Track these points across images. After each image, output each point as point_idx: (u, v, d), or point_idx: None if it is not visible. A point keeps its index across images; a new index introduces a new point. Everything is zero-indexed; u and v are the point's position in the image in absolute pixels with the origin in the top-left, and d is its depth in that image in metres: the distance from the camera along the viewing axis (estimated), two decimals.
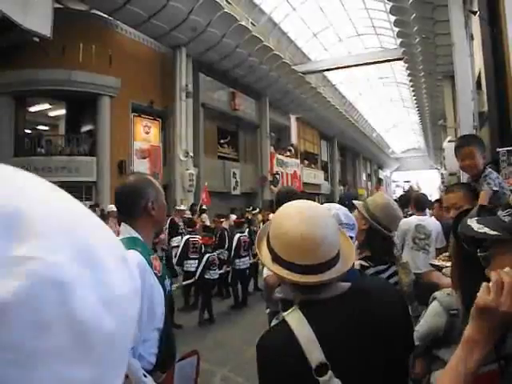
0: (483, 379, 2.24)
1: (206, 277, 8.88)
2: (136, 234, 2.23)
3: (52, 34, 12.80)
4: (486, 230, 1.28)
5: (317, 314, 1.42)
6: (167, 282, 2.37)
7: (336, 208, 2.60)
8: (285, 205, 1.57)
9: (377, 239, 2.88)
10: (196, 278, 8.89)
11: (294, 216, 1.46)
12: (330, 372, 1.30)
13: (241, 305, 9.86)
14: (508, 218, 1.27)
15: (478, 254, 1.41)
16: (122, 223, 2.30)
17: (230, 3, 18.92)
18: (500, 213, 1.31)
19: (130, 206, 2.30)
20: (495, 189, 3.38)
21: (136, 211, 2.28)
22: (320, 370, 1.30)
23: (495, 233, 1.26)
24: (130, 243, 2.12)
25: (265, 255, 1.52)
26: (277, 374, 1.36)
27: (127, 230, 2.24)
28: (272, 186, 26.09)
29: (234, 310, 9.57)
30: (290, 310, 1.45)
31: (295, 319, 1.41)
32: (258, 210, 16.34)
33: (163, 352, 2.16)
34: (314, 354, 1.32)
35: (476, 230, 1.32)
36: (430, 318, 2.60)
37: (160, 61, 19.50)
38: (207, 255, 8.99)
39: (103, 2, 15.22)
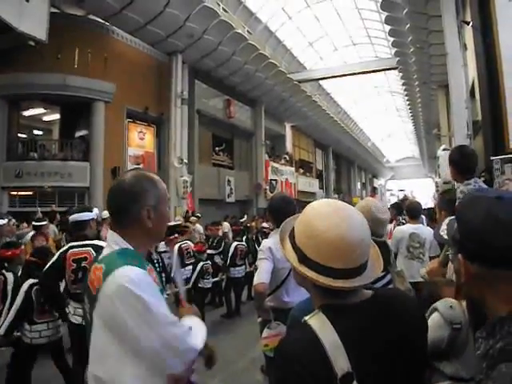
0: None
1: (200, 285, 8.80)
2: (125, 245, 1.82)
3: (48, 38, 12.74)
4: (443, 233, 1.37)
5: (341, 319, 1.31)
6: (164, 294, 2.08)
7: None
8: (315, 203, 1.48)
9: None
10: (190, 285, 8.79)
11: (331, 215, 1.37)
12: (355, 382, 1.23)
13: (234, 314, 9.76)
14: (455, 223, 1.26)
15: (446, 253, 1.47)
16: (110, 231, 1.90)
17: (226, 11, 18.96)
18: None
19: (119, 212, 1.87)
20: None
21: (126, 219, 1.85)
22: (345, 380, 1.22)
23: (446, 237, 1.34)
24: (123, 257, 1.76)
25: (289, 253, 1.43)
26: (299, 382, 1.24)
27: (114, 239, 1.85)
28: (269, 192, 26.04)
29: (226, 319, 9.49)
30: (312, 314, 1.34)
31: (319, 323, 1.30)
32: (244, 218, 16.28)
33: None
34: (340, 361, 1.23)
35: (440, 232, 1.42)
36: (431, 331, 2.54)
37: (156, 67, 19.50)
38: (201, 263, 8.91)
39: (100, 7, 15.19)
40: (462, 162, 3.77)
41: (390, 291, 1.79)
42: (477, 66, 10.38)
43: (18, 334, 4.98)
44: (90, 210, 5.07)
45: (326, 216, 1.37)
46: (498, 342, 1.10)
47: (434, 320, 2.53)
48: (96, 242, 4.66)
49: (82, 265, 4.48)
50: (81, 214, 4.92)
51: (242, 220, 14.63)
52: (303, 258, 1.37)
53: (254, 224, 14.58)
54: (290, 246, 1.45)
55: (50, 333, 5.03)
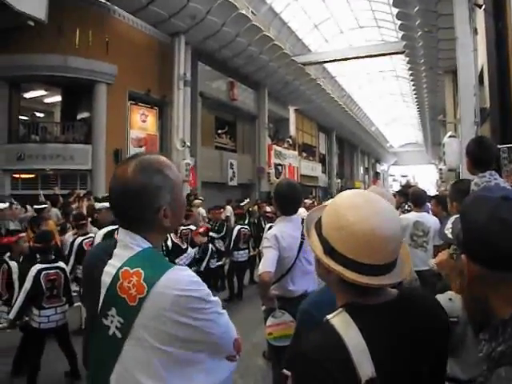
0: None
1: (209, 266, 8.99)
2: (146, 244, 1.59)
3: (47, 18, 12.50)
4: (448, 232, 1.35)
5: (366, 320, 1.23)
6: None
7: None
8: (344, 192, 1.39)
9: None
10: (202, 268, 8.87)
11: (363, 206, 1.28)
12: None
13: (236, 298, 9.73)
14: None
15: (448, 250, 1.51)
16: (123, 230, 1.63)
17: None
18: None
19: (130, 221, 1.61)
20: None
21: (139, 227, 1.61)
22: None
23: (450, 236, 1.35)
24: (157, 259, 1.59)
25: (315, 244, 1.34)
26: (315, 381, 1.18)
27: (132, 239, 1.59)
28: (275, 178, 25.97)
29: (228, 304, 9.44)
30: (335, 313, 1.26)
31: (343, 324, 1.23)
32: (246, 201, 16.15)
33: None
34: (364, 366, 1.16)
35: (444, 231, 1.39)
36: None
37: (158, 48, 19.26)
38: (210, 245, 9.09)
39: None
40: (479, 154, 3.66)
41: (415, 291, 1.73)
42: (487, 52, 10.19)
43: (27, 318, 5.13)
44: None
45: (357, 207, 1.28)
46: (500, 345, 1.08)
47: None
48: None
49: None
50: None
51: (242, 204, 14.50)
52: (330, 251, 1.29)
53: (255, 208, 14.41)
54: (315, 236, 1.37)
55: (58, 317, 5.23)
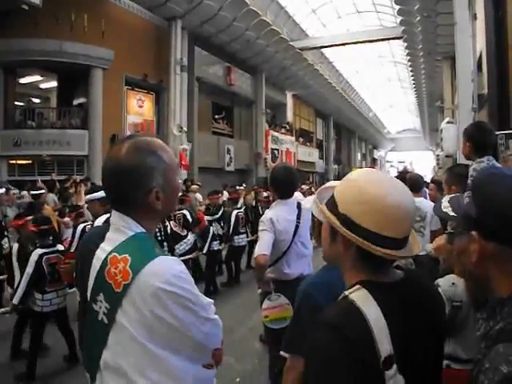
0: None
1: (210, 249, 9.08)
2: (139, 228, 1.57)
3: (42, 2, 12.38)
4: (448, 210, 1.29)
5: (382, 297, 1.24)
6: None
7: None
8: (359, 170, 1.40)
9: None
10: (204, 252, 8.96)
11: (384, 181, 1.31)
12: (395, 366, 1.18)
13: (233, 282, 9.79)
14: (467, 199, 1.22)
15: (445, 232, 1.43)
16: (115, 212, 1.61)
17: None
18: (466, 193, 1.26)
19: (122, 201, 1.58)
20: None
21: (131, 207, 1.58)
22: (386, 362, 1.16)
23: (453, 214, 1.27)
24: (148, 245, 1.55)
25: (333, 221, 1.32)
26: (340, 363, 1.15)
27: (125, 223, 1.57)
28: (271, 162, 25.96)
29: (225, 288, 9.48)
30: (353, 289, 1.26)
31: (363, 299, 1.23)
32: (242, 187, 16.19)
33: None
34: (384, 342, 1.17)
35: (442, 208, 1.32)
36: None
37: (155, 33, 19.12)
38: (211, 228, 9.21)
39: None
40: (483, 139, 3.64)
41: (416, 271, 1.78)
42: (486, 38, 10.13)
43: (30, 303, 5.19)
44: None
45: (379, 181, 1.31)
46: (498, 323, 1.09)
47: None
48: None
49: None
50: None
51: (237, 188, 14.60)
52: (351, 226, 1.27)
53: (252, 194, 14.32)
54: (330, 213, 1.35)
55: (59, 300, 5.32)
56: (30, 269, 5.01)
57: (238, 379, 4.94)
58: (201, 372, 1.58)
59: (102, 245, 1.59)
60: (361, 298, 1.23)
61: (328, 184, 1.63)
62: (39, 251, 5.13)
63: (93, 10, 16.03)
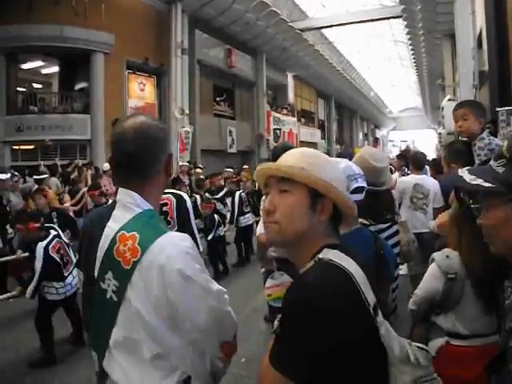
0: (486, 351, 2.24)
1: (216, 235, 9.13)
2: (147, 205, 1.59)
3: None
4: (480, 181, 1.23)
5: (347, 253, 1.28)
6: None
7: (345, 161, 2.51)
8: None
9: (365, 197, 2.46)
10: (210, 237, 9.01)
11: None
12: (379, 312, 1.23)
13: (244, 262, 9.94)
14: (501, 168, 1.22)
15: (471, 206, 1.36)
16: (122, 189, 1.63)
17: None
18: (493, 163, 1.25)
19: (146, 163, 1.60)
20: (478, 161, 3.36)
21: (152, 171, 1.62)
22: (375, 310, 1.21)
23: (489, 184, 1.21)
24: (155, 222, 1.59)
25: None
26: (332, 321, 1.15)
27: (132, 199, 1.59)
28: (273, 142, 25.93)
29: (234, 268, 9.58)
30: (323, 252, 1.27)
31: (339, 257, 1.25)
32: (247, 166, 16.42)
33: None
34: (369, 293, 1.21)
35: (468, 181, 1.26)
36: (427, 281, 2.56)
37: (155, 17, 19.00)
38: (216, 216, 9.19)
39: None
40: (486, 116, 3.69)
41: None
42: (485, 15, 10.12)
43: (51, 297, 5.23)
44: None
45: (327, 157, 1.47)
46: None
47: (430, 271, 2.56)
48: (173, 190, 4.53)
49: (164, 209, 4.37)
50: None
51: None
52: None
53: (248, 183, 14.26)
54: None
55: (77, 280, 5.27)
56: (39, 263, 5.00)
57: (243, 359, 4.94)
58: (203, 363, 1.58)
59: (109, 223, 1.62)
60: (336, 256, 1.25)
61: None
62: (43, 244, 5.13)
63: None
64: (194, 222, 4.55)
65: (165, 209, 4.39)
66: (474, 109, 3.56)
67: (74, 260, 5.49)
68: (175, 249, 1.48)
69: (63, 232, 5.95)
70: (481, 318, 2.39)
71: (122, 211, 1.60)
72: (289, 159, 1.39)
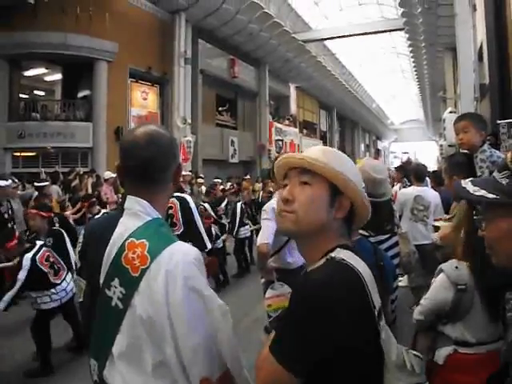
0: (489, 358, 2.25)
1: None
2: (156, 214, 1.58)
3: None
4: (483, 192, 1.22)
5: (358, 255, 1.29)
6: None
7: None
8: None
9: None
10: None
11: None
12: (383, 316, 1.23)
13: (245, 272, 9.89)
14: (505, 180, 1.21)
15: (474, 218, 1.36)
16: (131, 197, 1.61)
17: None
18: (496, 174, 1.24)
19: (159, 170, 1.59)
20: (480, 173, 3.37)
21: (162, 179, 1.61)
22: (379, 314, 1.21)
23: (493, 196, 1.20)
24: (165, 231, 1.58)
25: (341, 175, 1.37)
26: (345, 317, 1.15)
27: (142, 207, 1.57)
28: (275, 153, 25.96)
29: (234, 279, 9.55)
30: (335, 252, 1.27)
31: (351, 257, 1.25)
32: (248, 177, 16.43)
33: None
34: (375, 296, 1.22)
35: (472, 192, 1.25)
36: (436, 292, 2.55)
37: (159, 26, 19.11)
38: (212, 229, 8.98)
39: None
40: (487, 129, 3.69)
41: None
42: (486, 28, 10.18)
43: (44, 306, 5.17)
44: None
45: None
46: None
47: (439, 281, 2.55)
48: (177, 194, 4.64)
49: (169, 212, 4.62)
50: None
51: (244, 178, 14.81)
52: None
53: (246, 193, 14.27)
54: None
55: (72, 286, 5.31)
56: (23, 273, 4.90)
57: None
58: None
59: (117, 230, 1.59)
60: (348, 256, 1.25)
61: None
62: (29, 255, 5.03)
63: (97, 3, 16.00)
64: (199, 221, 4.83)
65: (170, 212, 4.65)
66: (475, 121, 3.55)
67: (73, 263, 5.51)
68: (184, 258, 1.46)
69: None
70: (487, 327, 2.40)
71: (130, 219, 1.58)
72: (311, 154, 1.39)
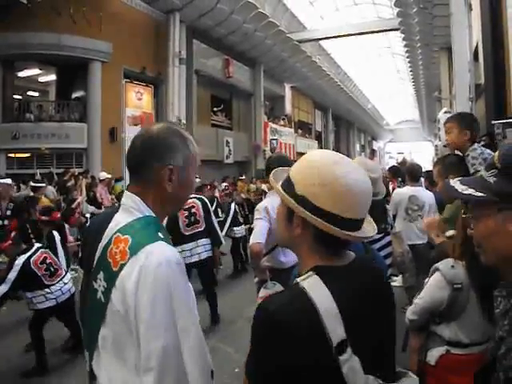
0: (481, 359, 2.24)
1: None
2: (148, 212, 1.58)
3: None
4: (471, 191, 1.24)
5: (336, 282, 1.22)
6: None
7: None
8: (315, 151, 1.36)
9: None
10: None
11: (342, 162, 1.28)
12: (349, 349, 1.17)
13: (239, 273, 9.85)
14: (493, 178, 1.22)
15: (463, 216, 1.40)
16: (127, 193, 1.63)
17: None
18: (484, 173, 1.26)
19: (136, 167, 1.61)
20: (473, 170, 3.35)
21: (142, 178, 1.60)
22: (339, 347, 1.16)
23: (480, 194, 1.22)
24: (151, 229, 1.54)
25: (292, 203, 1.27)
26: (285, 348, 1.16)
27: (135, 204, 1.58)
28: (270, 152, 25.94)
29: (226, 279, 9.52)
30: (305, 276, 1.24)
31: (314, 286, 1.21)
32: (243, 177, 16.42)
33: None
34: (336, 329, 1.16)
35: (460, 191, 1.27)
36: (431, 291, 2.54)
37: (153, 26, 19.08)
38: None
39: None
40: (476, 127, 3.70)
41: (361, 253, 1.74)
42: (481, 28, 10.16)
43: (40, 305, 5.19)
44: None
45: (338, 163, 1.28)
46: None
47: (434, 280, 2.54)
48: (195, 195, 5.96)
49: (192, 211, 6.11)
50: None
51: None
52: (309, 207, 1.24)
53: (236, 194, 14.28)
54: (287, 196, 1.30)
55: (69, 286, 5.40)
56: (12, 274, 4.93)
57: (236, 369, 4.96)
58: None
59: (110, 224, 1.61)
60: (312, 285, 1.22)
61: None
62: (24, 257, 5.08)
63: (91, 3, 15.96)
64: (214, 219, 6.51)
65: (193, 210, 6.12)
66: (459, 121, 3.58)
67: (63, 263, 5.61)
68: (159, 258, 1.42)
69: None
70: (481, 327, 2.39)
71: (123, 214, 1.60)
72: (294, 166, 1.37)
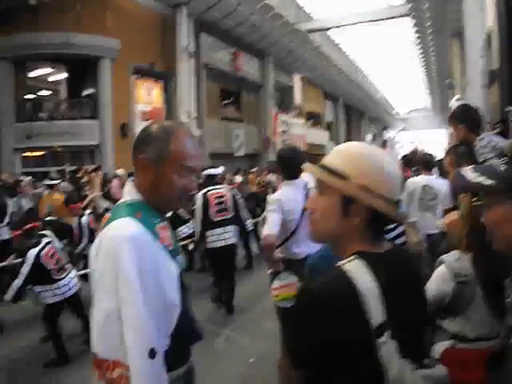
0: (485, 356, 2.20)
1: None
2: (137, 196, 1.68)
3: None
4: (482, 179, 1.25)
5: (377, 266, 1.26)
6: (180, 257, 1.81)
7: None
8: (355, 143, 1.45)
9: None
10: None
11: (380, 152, 1.39)
12: (387, 332, 1.21)
13: (251, 264, 9.86)
14: (504, 166, 1.24)
15: (473, 204, 1.41)
16: (127, 181, 1.83)
17: None
18: (495, 161, 1.29)
19: (134, 151, 1.73)
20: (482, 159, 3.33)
21: (136, 160, 1.71)
22: (379, 329, 1.20)
23: (491, 182, 1.23)
24: (128, 208, 1.63)
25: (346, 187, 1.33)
26: (328, 322, 1.20)
27: (129, 191, 1.71)
28: (281, 145, 25.79)
29: (242, 270, 9.52)
30: (347, 259, 1.28)
31: (358, 269, 1.25)
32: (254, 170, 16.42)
33: (177, 346, 1.65)
34: (377, 311, 1.21)
35: (470, 178, 1.28)
36: (436, 284, 2.48)
37: (160, 21, 19.09)
38: None
39: None
40: (475, 118, 3.69)
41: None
42: (496, 12, 9.95)
43: (49, 300, 5.32)
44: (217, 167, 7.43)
45: (378, 152, 1.38)
46: None
47: (439, 273, 2.49)
48: (224, 185, 7.07)
49: (221, 200, 6.70)
50: (211, 169, 7.12)
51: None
52: (374, 196, 1.30)
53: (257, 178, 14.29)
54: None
55: (76, 280, 5.55)
56: (26, 268, 5.07)
57: (251, 360, 4.99)
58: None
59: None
60: (355, 268, 1.25)
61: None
62: (35, 250, 5.18)
63: (98, 1, 16.05)
64: (243, 208, 7.15)
65: (222, 199, 6.69)
66: (453, 121, 3.69)
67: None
68: (118, 230, 1.53)
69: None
70: (488, 322, 2.34)
71: (122, 200, 1.75)
72: (332, 160, 1.39)
